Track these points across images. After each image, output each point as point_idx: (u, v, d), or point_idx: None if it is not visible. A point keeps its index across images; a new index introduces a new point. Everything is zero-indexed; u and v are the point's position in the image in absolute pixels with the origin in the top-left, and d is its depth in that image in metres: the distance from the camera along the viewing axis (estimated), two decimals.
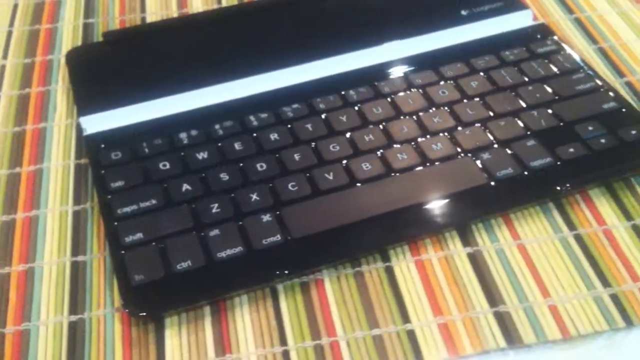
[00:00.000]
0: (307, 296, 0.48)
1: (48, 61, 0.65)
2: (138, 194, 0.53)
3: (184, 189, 0.53)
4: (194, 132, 0.57)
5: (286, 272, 0.49)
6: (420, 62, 0.62)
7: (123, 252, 0.50)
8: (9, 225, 0.53)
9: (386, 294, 0.48)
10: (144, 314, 0.47)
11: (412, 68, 0.62)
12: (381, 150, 0.55)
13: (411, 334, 0.46)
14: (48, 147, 0.58)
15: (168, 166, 0.55)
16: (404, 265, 0.50)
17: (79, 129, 0.58)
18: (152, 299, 0.47)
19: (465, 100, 0.59)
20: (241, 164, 0.55)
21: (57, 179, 0.56)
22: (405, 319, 0.47)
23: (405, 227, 0.50)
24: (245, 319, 0.47)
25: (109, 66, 0.62)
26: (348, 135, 0.56)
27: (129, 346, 0.46)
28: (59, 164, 0.57)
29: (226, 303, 0.48)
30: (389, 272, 0.49)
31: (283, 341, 0.46)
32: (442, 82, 0.60)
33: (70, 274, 0.50)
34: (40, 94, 0.62)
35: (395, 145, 0.56)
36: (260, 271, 0.49)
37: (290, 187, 0.53)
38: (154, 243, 0.50)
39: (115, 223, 0.51)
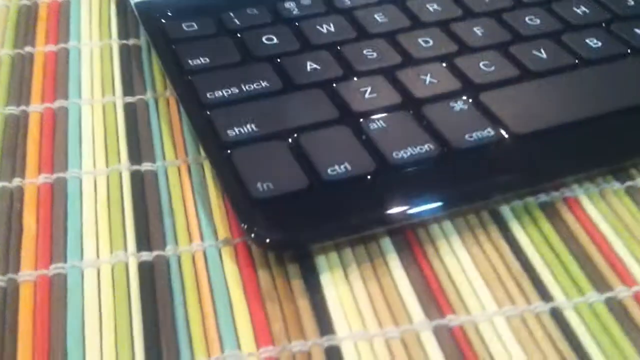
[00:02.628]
0: (559, 224, 0.28)
1: None
2: (235, 74, 0.32)
3: (309, 67, 0.32)
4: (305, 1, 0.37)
5: (513, 185, 0.28)
6: None
7: (229, 151, 0.28)
8: (19, 125, 0.31)
9: None
10: (283, 245, 0.26)
11: None
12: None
13: None
14: (75, 21, 0.37)
15: (276, 40, 0.34)
16: None
17: None
18: (291, 222, 0.26)
19: None
20: (396, 36, 0.34)
21: (93, 63, 0.35)
22: None
23: None
24: (461, 257, 0.26)
25: None
26: None
27: (256, 299, 0.25)
28: (94, 45, 0.36)
29: (417, 233, 0.27)
30: None
31: (544, 295, 0.25)
32: None
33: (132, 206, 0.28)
34: None
35: None
36: (469, 183, 0.28)
37: (482, 67, 0.33)
38: (277, 139, 0.29)
39: (208, 112, 0.30)
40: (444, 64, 0.33)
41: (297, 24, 0.35)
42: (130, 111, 0.32)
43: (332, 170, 0.28)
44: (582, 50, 0.34)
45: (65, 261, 0.26)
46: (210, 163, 0.29)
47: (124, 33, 0.37)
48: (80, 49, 0.35)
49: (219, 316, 0.25)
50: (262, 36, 0.34)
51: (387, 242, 0.27)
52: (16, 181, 0.29)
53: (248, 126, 0.30)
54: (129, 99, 0.33)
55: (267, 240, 0.26)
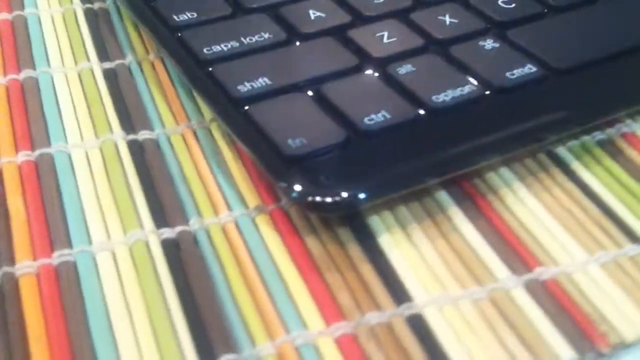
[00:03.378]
0: (623, 162, 0.25)
1: None
2: (230, 28, 0.28)
3: (312, 16, 0.29)
4: None
5: (568, 123, 0.25)
6: None
7: (245, 108, 0.24)
8: None
9: None
10: (332, 205, 0.22)
11: None
12: None
13: None
14: None
15: None
16: None
17: None
18: (336, 179, 0.22)
19: None
20: None
21: (57, 30, 0.30)
22: None
23: None
24: (531, 206, 0.23)
25: None
26: None
27: (311, 269, 0.21)
28: (54, 11, 0.31)
29: (475, 184, 0.24)
30: None
31: (632, 237, 0.22)
32: None
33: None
34: None
35: None
36: (520, 123, 0.25)
37: (502, 4, 0.30)
38: (296, 91, 0.25)
39: (209, 69, 0.26)
40: (460, 3, 0.30)
41: None
42: (112, 77, 0.28)
43: (370, 120, 0.24)
44: None
45: (70, 246, 0.22)
46: (223, 124, 0.25)
47: None
48: (39, 15, 0.31)
49: (272, 293, 0.20)
50: None
51: (443, 196, 0.23)
52: None
53: (260, 80, 0.26)
54: (108, 65, 0.28)
55: (314, 200, 0.22)
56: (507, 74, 0.26)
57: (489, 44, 0.27)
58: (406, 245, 0.22)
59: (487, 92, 0.25)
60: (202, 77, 0.26)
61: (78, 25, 0.30)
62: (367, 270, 0.21)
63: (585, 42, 0.28)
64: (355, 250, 0.22)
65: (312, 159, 0.23)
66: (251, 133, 0.24)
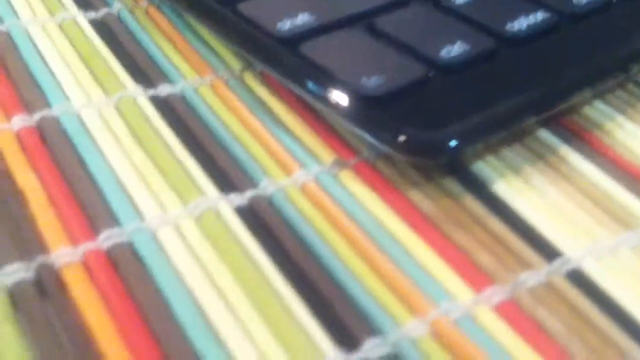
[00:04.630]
0: None
1: None
2: None
3: None
4: None
5: None
6: None
7: (294, 49, 0.20)
8: None
9: None
10: (436, 148, 0.18)
11: None
12: None
13: None
14: None
15: None
16: None
17: None
18: (432, 121, 0.19)
19: None
20: None
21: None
22: None
23: None
24: None
25: None
26: None
27: (430, 229, 0.17)
28: None
29: (575, 120, 0.20)
30: None
31: None
32: None
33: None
34: None
35: None
36: (606, 52, 0.22)
37: None
38: (347, 26, 0.21)
39: (235, 10, 0.22)
40: None
41: None
42: (103, 29, 0.23)
43: (448, 53, 0.20)
44: None
45: (119, 225, 0.16)
46: (271, 69, 0.20)
47: None
48: None
49: (395, 259, 0.16)
50: None
51: (546, 135, 0.20)
52: None
53: (300, 16, 0.21)
54: (92, 15, 0.23)
55: (423, 146, 0.18)
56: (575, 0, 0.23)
57: None
58: (529, 193, 0.18)
59: (561, 19, 0.22)
60: (229, 19, 0.21)
61: None
62: (496, 225, 0.17)
63: None
64: (472, 203, 0.18)
65: (395, 99, 0.19)
66: (312, 76, 0.19)
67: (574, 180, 0.18)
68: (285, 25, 0.21)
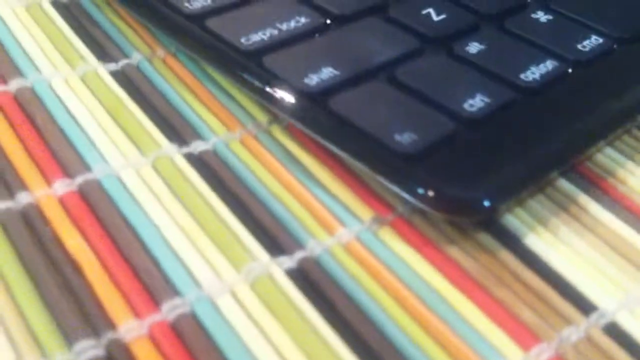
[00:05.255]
0: None
1: None
2: (255, 14, 0.24)
3: None
4: None
5: None
6: None
7: (323, 103, 0.21)
8: None
9: None
10: (472, 205, 0.19)
11: None
12: None
13: None
14: None
15: None
16: None
17: None
18: (465, 178, 0.20)
19: None
20: None
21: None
22: None
23: None
24: None
25: None
26: None
27: (471, 285, 0.18)
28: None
29: (589, 167, 0.21)
30: None
31: None
32: None
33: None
34: None
35: None
36: (615, 99, 0.23)
37: None
38: (369, 79, 0.22)
39: (257, 62, 0.22)
40: None
41: None
42: (125, 80, 0.23)
43: (471, 106, 0.21)
44: None
45: (180, 294, 0.17)
46: (302, 125, 0.21)
47: None
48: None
49: (442, 316, 0.17)
50: None
51: (564, 184, 0.21)
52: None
53: (325, 70, 0.22)
54: (112, 67, 0.24)
55: (459, 204, 0.19)
56: (578, 47, 0.24)
57: (539, 16, 0.25)
58: (558, 245, 0.19)
59: (568, 67, 0.23)
60: (254, 73, 0.22)
61: (51, 19, 0.25)
62: (533, 279, 0.18)
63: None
64: (508, 258, 0.19)
65: (429, 156, 0.20)
66: (344, 132, 0.20)
67: (598, 231, 0.20)
68: (313, 80, 0.21)
